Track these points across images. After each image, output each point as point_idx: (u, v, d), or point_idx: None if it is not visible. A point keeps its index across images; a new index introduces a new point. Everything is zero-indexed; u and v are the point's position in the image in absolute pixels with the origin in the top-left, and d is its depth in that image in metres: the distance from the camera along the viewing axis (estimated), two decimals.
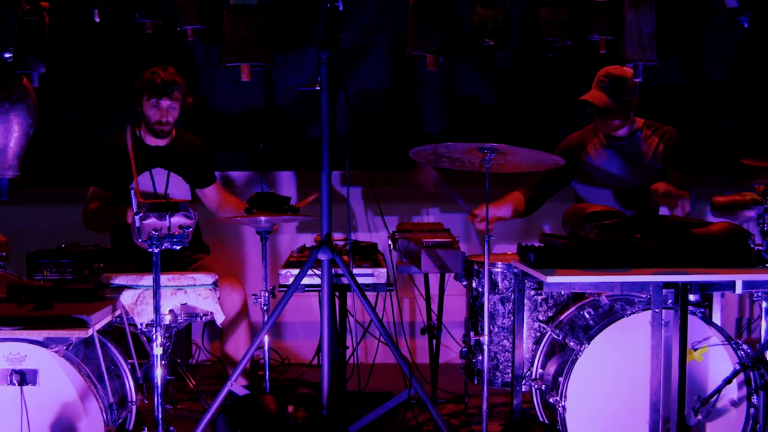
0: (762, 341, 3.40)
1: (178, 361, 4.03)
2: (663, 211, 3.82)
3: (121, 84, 4.06)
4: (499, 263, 3.39)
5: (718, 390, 2.95)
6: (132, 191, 2.92)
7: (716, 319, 3.15)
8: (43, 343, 2.83)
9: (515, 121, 4.66)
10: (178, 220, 2.89)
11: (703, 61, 4.68)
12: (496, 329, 3.40)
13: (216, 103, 4.63)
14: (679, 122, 4.02)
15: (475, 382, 3.44)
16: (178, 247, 2.92)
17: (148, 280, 3.27)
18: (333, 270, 3.12)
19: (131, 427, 3.12)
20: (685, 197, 3.59)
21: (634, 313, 2.96)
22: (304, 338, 4.88)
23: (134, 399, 3.13)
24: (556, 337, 3.18)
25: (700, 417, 2.97)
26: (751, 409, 3.00)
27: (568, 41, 3.46)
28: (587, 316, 3.14)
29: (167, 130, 3.91)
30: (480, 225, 3.63)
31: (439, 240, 3.18)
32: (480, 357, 3.36)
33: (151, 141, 3.95)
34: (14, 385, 2.81)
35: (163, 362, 2.91)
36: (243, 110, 4.65)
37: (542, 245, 3.08)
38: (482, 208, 3.56)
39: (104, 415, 2.84)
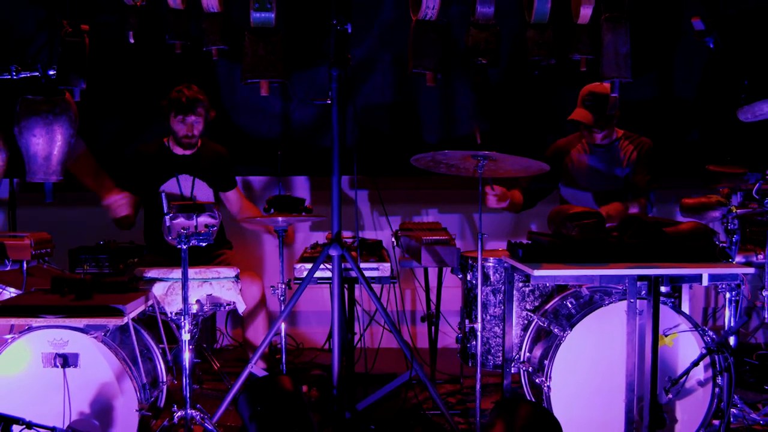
0: (726, 328, 3.40)
1: (204, 345, 4.04)
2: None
3: (153, 98, 4.06)
4: (491, 258, 3.39)
5: (687, 372, 2.94)
6: (162, 194, 2.93)
7: (685, 308, 3.14)
8: (84, 330, 2.84)
9: (506, 131, 4.66)
10: (203, 219, 2.89)
11: (673, 77, 4.68)
12: (488, 317, 3.40)
13: (238, 116, 4.63)
14: (652, 133, 4.03)
15: (470, 364, 3.44)
16: (204, 244, 2.92)
17: (177, 273, 3.28)
18: (342, 264, 3.13)
19: (162, 405, 3.13)
20: (634, 205, 3.73)
21: (611, 302, 2.95)
22: (317, 325, 4.88)
23: (165, 380, 3.14)
24: (541, 324, 3.18)
25: (670, 396, 2.97)
26: (716, 389, 2.99)
27: (553, 60, 3.46)
28: (569, 305, 3.14)
29: (193, 142, 3.91)
30: (491, 200, 3.67)
31: (438, 238, 3.18)
32: (474, 342, 3.36)
33: (179, 150, 3.95)
34: (57, 367, 2.83)
35: (190, 347, 2.92)
36: (262, 121, 4.65)
37: (530, 242, 3.08)
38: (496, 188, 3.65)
39: (138, 394, 2.85)
